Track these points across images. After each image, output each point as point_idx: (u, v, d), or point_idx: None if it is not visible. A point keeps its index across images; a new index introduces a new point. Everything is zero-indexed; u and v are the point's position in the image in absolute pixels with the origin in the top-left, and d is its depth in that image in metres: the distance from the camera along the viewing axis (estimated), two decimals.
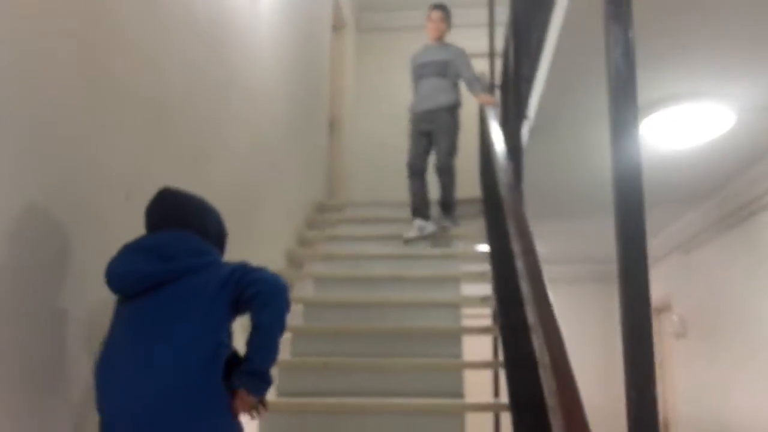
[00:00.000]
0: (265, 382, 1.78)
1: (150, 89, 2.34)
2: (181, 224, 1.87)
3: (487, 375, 4.54)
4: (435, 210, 4.57)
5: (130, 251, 1.81)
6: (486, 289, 4.61)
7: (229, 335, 1.79)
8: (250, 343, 1.76)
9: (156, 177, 2.28)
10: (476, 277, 4.10)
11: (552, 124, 3.33)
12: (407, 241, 4.33)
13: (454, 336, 3.42)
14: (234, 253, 2.15)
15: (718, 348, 4.55)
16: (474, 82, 4.45)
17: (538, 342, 1.82)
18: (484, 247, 4.41)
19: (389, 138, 6.01)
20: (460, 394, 3.12)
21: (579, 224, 5.06)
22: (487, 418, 4.43)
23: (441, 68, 4.55)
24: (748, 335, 4.14)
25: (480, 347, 4.40)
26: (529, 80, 3.40)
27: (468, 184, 4.90)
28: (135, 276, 1.75)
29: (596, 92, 2.96)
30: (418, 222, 4.40)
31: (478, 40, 5.83)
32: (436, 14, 4.68)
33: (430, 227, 4.39)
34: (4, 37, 1.58)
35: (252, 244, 3.39)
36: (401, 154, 4.71)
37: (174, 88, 2.56)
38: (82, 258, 1.89)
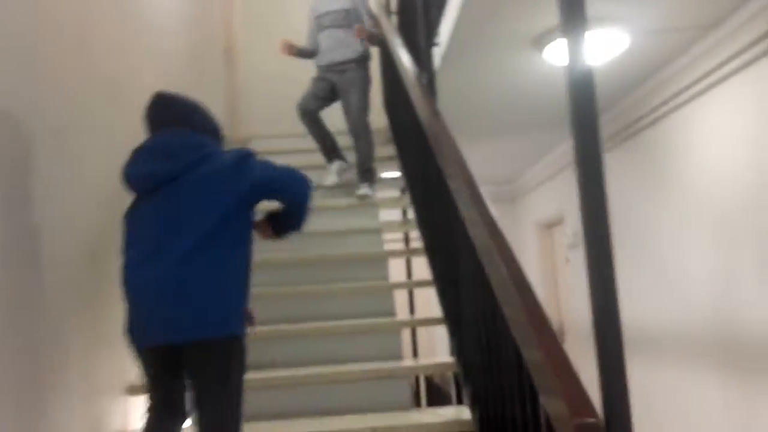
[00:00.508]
0: (294, 227, 2.16)
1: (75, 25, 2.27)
2: (178, 123, 2.06)
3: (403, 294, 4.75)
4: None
5: (139, 154, 2.02)
6: (398, 214, 4.79)
7: (247, 218, 2.00)
8: (284, 210, 2.12)
9: (81, 114, 2.34)
10: (394, 203, 4.25)
11: (463, 50, 3.43)
12: (327, 188, 4.09)
13: (381, 260, 3.56)
14: None
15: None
16: (368, 20, 4.26)
17: (488, 258, 1.96)
18: (394, 174, 4.55)
19: (285, 68, 5.84)
20: (392, 313, 3.28)
21: (480, 147, 5.27)
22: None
23: (343, 17, 4.22)
24: (637, 241, 4.55)
25: (396, 269, 4.59)
26: (440, 6, 3.48)
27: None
28: (145, 176, 1.97)
29: (512, 17, 3.12)
30: (336, 164, 4.18)
31: None
32: None
33: (345, 167, 4.19)
34: None
35: None
36: (297, 85, 4.53)
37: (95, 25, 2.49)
38: None
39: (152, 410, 2.03)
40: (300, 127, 4.95)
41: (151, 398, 2.04)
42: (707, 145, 3.74)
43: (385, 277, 3.50)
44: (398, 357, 3.04)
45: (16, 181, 1.81)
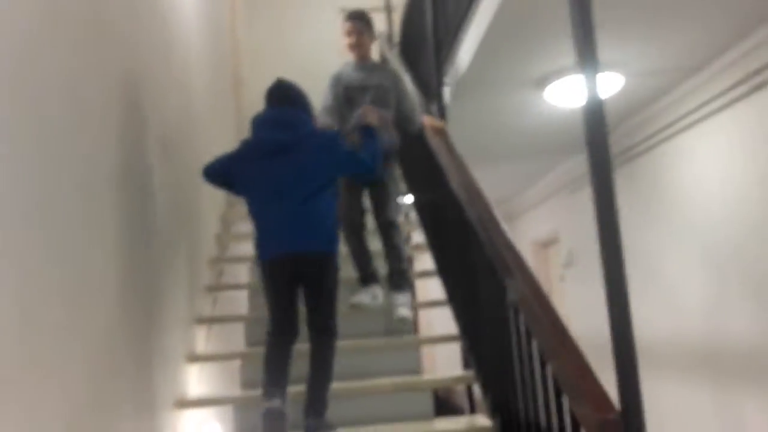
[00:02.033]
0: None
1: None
2: (290, 103, 2.80)
3: None
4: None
5: (264, 124, 2.77)
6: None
7: (333, 180, 2.79)
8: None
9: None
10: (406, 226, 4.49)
11: (473, 87, 3.75)
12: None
13: None
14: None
15: (599, 273, 5.27)
16: (414, 114, 3.53)
17: (513, 284, 2.23)
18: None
19: None
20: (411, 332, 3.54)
21: (480, 170, 5.55)
22: None
23: (383, 96, 3.44)
24: (630, 261, 4.84)
25: None
26: (450, 45, 3.77)
27: None
28: (274, 141, 2.70)
29: (518, 61, 3.43)
30: (372, 289, 3.43)
31: None
32: (350, 26, 3.53)
33: (380, 295, 3.46)
34: None
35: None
36: None
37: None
38: None
39: (272, 333, 2.70)
40: None
41: (272, 321, 2.72)
42: (695, 173, 4.07)
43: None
44: (417, 372, 3.29)
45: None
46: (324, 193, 2.71)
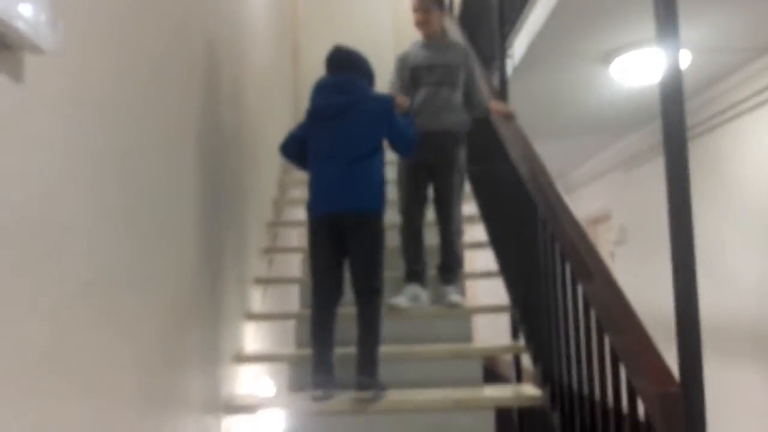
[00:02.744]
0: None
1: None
2: (350, 69, 2.92)
3: None
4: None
5: (323, 89, 2.89)
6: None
7: (382, 144, 2.88)
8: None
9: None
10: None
11: (537, 61, 3.73)
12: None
13: None
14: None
15: (653, 251, 5.23)
16: (481, 95, 3.41)
17: (576, 259, 2.25)
18: None
19: None
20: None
21: (537, 144, 5.55)
22: None
23: (451, 75, 3.32)
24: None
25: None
26: (513, 22, 3.77)
27: None
28: (332, 106, 2.83)
29: (585, 35, 3.40)
30: (413, 289, 3.31)
31: None
32: (416, 2, 3.38)
33: (424, 296, 3.34)
34: None
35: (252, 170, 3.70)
36: None
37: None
38: None
39: (316, 293, 2.80)
40: None
41: (315, 280, 2.81)
42: (756, 156, 3.99)
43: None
44: (468, 340, 3.35)
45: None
46: (376, 154, 2.81)
